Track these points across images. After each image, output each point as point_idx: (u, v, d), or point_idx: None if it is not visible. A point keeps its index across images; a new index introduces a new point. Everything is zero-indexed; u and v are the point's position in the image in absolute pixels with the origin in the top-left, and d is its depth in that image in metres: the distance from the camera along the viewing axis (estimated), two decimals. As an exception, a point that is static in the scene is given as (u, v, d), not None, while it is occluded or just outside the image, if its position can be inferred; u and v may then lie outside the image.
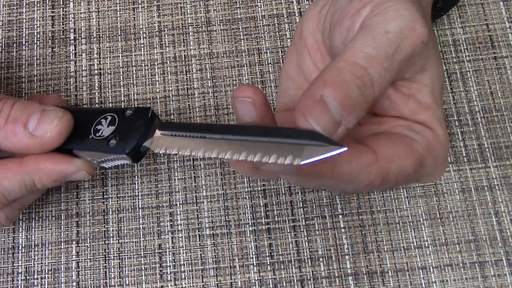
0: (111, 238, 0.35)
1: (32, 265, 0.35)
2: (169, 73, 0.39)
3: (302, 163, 0.21)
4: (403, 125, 0.25)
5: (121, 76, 0.39)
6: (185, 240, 0.35)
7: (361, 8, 0.24)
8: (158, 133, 0.27)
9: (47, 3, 0.41)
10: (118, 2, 0.41)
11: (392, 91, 0.25)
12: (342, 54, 0.22)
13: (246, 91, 0.23)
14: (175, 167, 0.37)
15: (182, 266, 0.35)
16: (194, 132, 0.25)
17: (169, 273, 0.35)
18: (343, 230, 0.35)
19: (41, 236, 0.35)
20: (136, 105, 0.38)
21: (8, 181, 0.29)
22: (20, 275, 0.35)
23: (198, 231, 0.35)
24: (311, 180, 0.24)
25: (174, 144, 0.26)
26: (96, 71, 0.39)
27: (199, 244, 0.35)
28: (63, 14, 0.40)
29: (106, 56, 0.39)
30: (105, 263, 0.35)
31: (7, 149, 0.29)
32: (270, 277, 0.34)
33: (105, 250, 0.35)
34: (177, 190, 0.36)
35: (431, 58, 0.25)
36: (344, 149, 0.20)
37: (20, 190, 0.29)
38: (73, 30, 0.40)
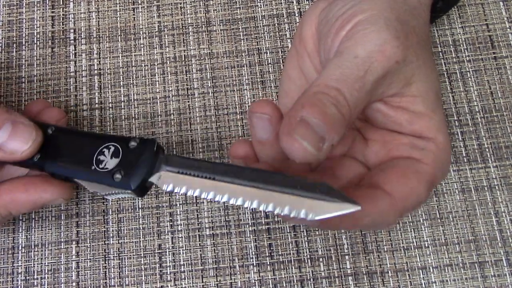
0: (111, 238, 0.35)
1: (32, 265, 0.35)
2: (169, 73, 0.39)
3: (316, 218, 0.21)
4: (405, 144, 0.26)
5: (121, 76, 0.39)
6: (185, 240, 0.35)
7: (340, 29, 0.25)
8: (164, 168, 0.26)
9: (47, 3, 0.41)
10: (118, 2, 0.41)
11: (383, 107, 0.26)
12: (314, 81, 0.24)
13: (264, 107, 0.24)
14: (175, 167, 0.37)
15: (182, 266, 0.35)
16: (202, 172, 0.25)
17: (169, 273, 0.35)
18: (343, 230, 0.35)
19: (41, 236, 0.35)
20: (136, 105, 0.38)
21: None
22: (20, 275, 0.35)
23: (198, 231, 0.35)
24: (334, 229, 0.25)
25: (182, 182, 0.25)
26: (96, 71, 0.39)
27: (199, 244, 0.35)
28: (63, 14, 0.40)
29: (106, 56, 0.39)
30: (105, 263, 0.35)
31: None
32: (270, 277, 0.34)
33: (105, 250, 0.35)
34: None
35: (417, 71, 0.25)
36: (358, 208, 0.21)
37: None
38: (73, 30, 0.40)
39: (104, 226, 0.36)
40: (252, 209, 0.35)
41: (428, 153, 0.25)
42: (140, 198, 0.36)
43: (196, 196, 0.24)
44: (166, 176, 0.26)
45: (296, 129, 0.22)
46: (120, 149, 0.27)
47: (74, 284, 0.35)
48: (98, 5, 0.40)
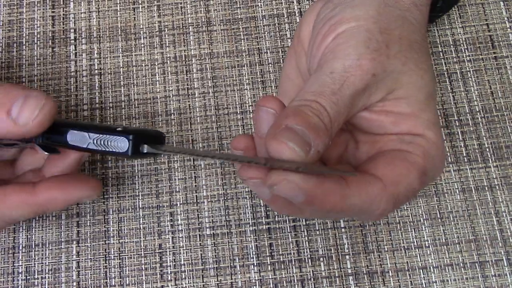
0: (112, 238, 0.35)
1: (33, 265, 0.35)
2: (169, 73, 0.39)
3: (309, 171, 0.22)
4: (394, 139, 0.26)
5: (122, 76, 0.39)
6: (185, 240, 0.35)
7: (323, 39, 0.26)
8: (163, 148, 0.27)
9: (48, 3, 0.41)
10: (118, 2, 0.41)
11: (368, 114, 0.26)
12: (295, 96, 0.25)
13: (272, 102, 0.25)
14: (176, 167, 0.37)
15: (183, 266, 0.35)
16: (198, 155, 0.26)
17: (169, 273, 0.35)
18: (343, 230, 0.35)
19: (42, 236, 0.35)
20: (136, 105, 0.38)
21: (18, 211, 0.29)
22: (20, 275, 0.35)
23: (199, 231, 0.35)
24: (323, 212, 0.25)
25: (175, 149, 0.27)
26: (96, 71, 0.39)
27: (200, 244, 0.35)
28: (63, 14, 0.40)
29: (106, 56, 0.39)
30: (106, 263, 0.35)
31: None
32: (270, 277, 0.34)
33: (105, 250, 0.35)
34: (177, 190, 0.36)
35: (405, 76, 0.26)
36: (355, 175, 0.23)
37: (29, 216, 0.30)
38: (73, 30, 0.40)
39: (104, 225, 0.36)
40: (250, 211, 0.35)
41: (417, 146, 0.26)
42: (140, 198, 0.36)
43: (191, 157, 0.25)
44: (162, 149, 0.27)
45: (282, 134, 0.22)
46: (129, 127, 0.28)
47: (74, 284, 0.35)
48: (98, 5, 0.40)
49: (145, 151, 0.27)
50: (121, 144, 0.27)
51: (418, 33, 0.27)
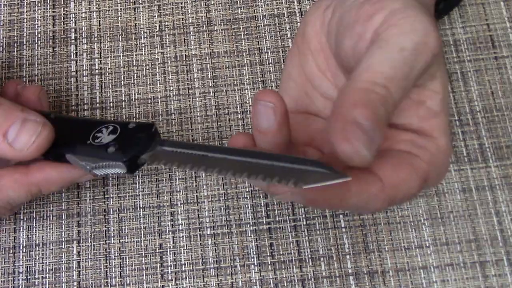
0: (112, 238, 0.35)
1: (33, 265, 0.35)
2: (170, 72, 0.39)
3: (304, 187, 0.21)
4: (406, 140, 0.25)
5: (122, 76, 0.39)
6: (186, 240, 0.35)
7: (373, 15, 0.24)
8: (158, 147, 0.27)
9: (48, 2, 0.41)
10: (119, 2, 0.41)
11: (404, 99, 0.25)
12: (360, 73, 0.22)
13: (270, 96, 0.24)
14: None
15: (183, 266, 0.35)
16: (196, 150, 0.25)
17: (170, 272, 0.35)
18: (344, 229, 0.35)
19: (42, 236, 0.35)
20: (137, 105, 0.38)
21: (14, 191, 0.29)
22: (21, 274, 0.35)
23: (199, 231, 0.35)
24: (321, 206, 0.24)
25: (174, 158, 0.26)
26: (97, 71, 0.39)
27: (200, 243, 0.35)
28: (64, 14, 0.40)
29: (107, 55, 0.39)
30: (106, 262, 0.35)
31: None
32: (271, 277, 0.34)
33: (106, 249, 0.35)
34: (178, 189, 0.36)
35: (441, 66, 0.25)
36: (349, 178, 0.21)
37: (26, 198, 0.30)
38: (74, 30, 0.40)
39: (105, 225, 0.36)
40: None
41: (426, 152, 0.25)
42: (141, 198, 0.36)
43: (187, 171, 0.25)
44: (159, 154, 0.27)
45: (353, 133, 0.21)
46: (119, 128, 0.28)
47: (75, 283, 0.35)
48: (99, 5, 0.40)
49: (143, 161, 0.27)
50: (119, 169, 0.27)
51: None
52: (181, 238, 0.35)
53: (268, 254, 0.35)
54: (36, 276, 0.35)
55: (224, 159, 0.24)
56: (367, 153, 0.21)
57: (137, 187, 0.36)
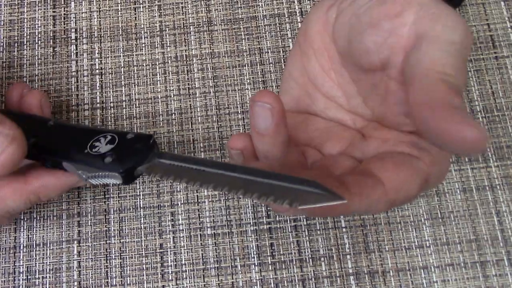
0: (113, 238, 0.35)
1: (34, 265, 0.35)
2: (170, 72, 0.39)
3: (300, 207, 0.21)
4: (407, 141, 0.26)
5: (123, 76, 0.39)
6: (186, 240, 0.35)
7: (402, 11, 0.24)
8: (155, 160, 0.27)
9: (49, 2, 0.41)
10: (119, 2, 0.41)
11: None
12: (425, 67, 0.23)
13: (267, 97, 0.24)
14: (177, 167, 0.37)
15: (184, 266, 0.35)
16: (193, 164, 0.25)
17: (170, 272, 0.35)
18: (344, 229, 0.35)
19: (43, 236, 0.35)
20: (137, 105, 0.38)
21: (14, 201, 0.29)
22: (21, 274, 0.35)
23: (200, 231, 0.35)
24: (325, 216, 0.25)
25: (170, 172, 0.26)
26: (97, 71, 0.39)
27: (201, 243, 0.35)
28: (64, 14, 0.40)
29: (107, 55, 0.39)
30: (107, 262, 0.35)
31: None
32: (271, 277, 0.34)
33: (106, 249, 0.35)
34: (178, 189, 0.36)
35: None
36: (344, 201, 0.21)
37: (25, 206, 0.30)
38: (74, 30, 0.40)
39: (105, 225, 0.36)
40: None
41: (427, 154, 0.25)
42: (141, 198, 0.36)
43: (183, 185, 0.25)
44: (156, 166, 0.26)
45: (466, 118, 0.20)
46: (117, 138, 0.28)
47: (75, 283, 0.35)
48: (99, 5, 0.40)
49: (140, 173, 0.27)
50: (115, 179, 0.27)
51: None
52: (182, 238, 0.35)
53: (269, 254, 0.35)
54: (37, 276, 0.35)
55: (221, 175, 0.24)
56: (485, 136, 0.20)
57: (138, 187, 0.36)
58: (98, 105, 0.38)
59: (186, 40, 0.39)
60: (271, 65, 0.39)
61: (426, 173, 0.25)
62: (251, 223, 0.35)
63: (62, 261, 0.35)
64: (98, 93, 0.38)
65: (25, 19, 0.40)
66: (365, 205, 0.23)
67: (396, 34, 0.25)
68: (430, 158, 0.25)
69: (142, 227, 0.36)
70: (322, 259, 0.35)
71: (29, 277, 0.35)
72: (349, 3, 0.27)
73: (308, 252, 0.35)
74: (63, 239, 0.35)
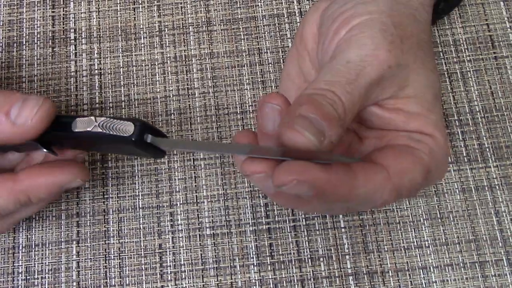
0: (112, 238, 0.35)
1: (33, 265, 0.35)
2: (169, 73, 0.39)
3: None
4: (403, 136, 0.26)
5: (122, 76, 0.39)
6: (185, 240, 0.35)
7: (337, 32, 0.26)
8: (165, 142, 0.28)
9: (48, 3, 0.41)
10: (118, 2, 0.41)
11: (378, 110, 0.26)
12: (308, 85, 0.24)
13: (277, 98, 0.24)
14: (176, 167, 0.37)
15: (183, 266, 0.35)
16: (196, 148, 0.26)
17: (169, 273, 0.35)
18: (343, 230, 0.35)
19: (42, 236, 0.35)
20: (136, 105, 0.38)
21: (3, 200, 0.29)
22: (20, 275, 0.35)
23: (199, 231, 0.35)
24: (329, 204, 0.25)
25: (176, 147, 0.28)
26: (96, 71, 0.39)
27: (200, 244, 0.35)
28: (63, 14, 0.40)
29: (106, 56, 0.39)
30: (106, 263, 0.35)
31: None
32: (270, 277, 0.34)
33: (105, 250, 0.35)
34: (177, 190, 0.36)
35: (414, 73, 0.26)
36: (359, 159, 0.23)
37: (15, 206, 0.30)
38: (73, 30, 0.40)
39: (104, 225, 0.36)
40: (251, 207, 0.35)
41: (425, 145, 0.26)
42: (140, 198, 0.36)
43: (192, 151, 0.27)
44: (161, 142, 0.27)
45: (296, 122, 0.22)
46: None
47: (74, 283, 0.35)
48: (98, 5, 0.40)
49: (149, 141, 0.27)
50: (127, 128, 0.27)
51: (426, 32, 0.27)
52: (181, 238, 0.35)
53: (268, 254, 0.35)
54: (36, 277, 0.35)
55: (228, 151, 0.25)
56: (314, 138, 0.22)
57: (137, 187, 0.36)
58: (97, 105, 0.38)
59: (185, 40, 0.39)
60: (270, 65, 0.39)
61: (426, 164, 0.25)
62: (250, 223, 0.35)
63: (61, 261, 0.35)
64: (97, 93, 0.38)
65: (24, 19, 0.40)
66: (370, 188, 0.23)
67: (327, 55, 0.27)
68: (428, 148, 0.25)
69: (141, 228, 0.36)
70: (321, 259, 0.35)
71: (28, 277, 0.35)
72: (331, 6, 0.28)
73: (307, 252, 0.35)
74: (62, 240, 0.35)
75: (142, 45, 0.39)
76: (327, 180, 0.22)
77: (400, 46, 0.25)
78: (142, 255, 0.35)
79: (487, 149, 0.36)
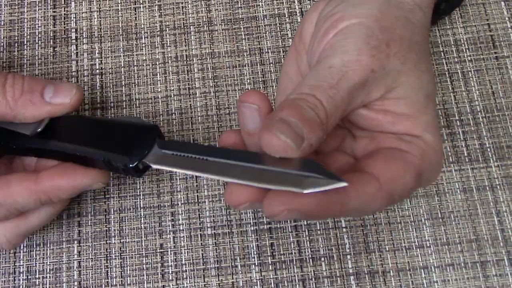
0: (113, 238, 0.35)
1: (34, 265, 0.35)
2: (170, 72, 0.39)
3: (305, 191, 0.22)
4: (393, 137, 0.26)
5: (123, 76, 0.39)
6: (186, 240, 0.35)
7: (324, 36, 0.26)
8: (159, 150, 0.27)
9: (49, 2, 0.41)
10: (119, 2, 0.41)
11: (366, 112, 0.26)
12: (293, 89, 0.25)
13: (253, 97, 0.24)
14: (177, 167, 0.37)
15: (184, 266, 0.35)
16: (196, 154, 0.25)
17: (170, 272, 0.35)
18: (344, 229, 0.35)
19: (43, 236, 0.35)
20: (137, 105, 0.38)
21: (23, 198, 0.29)
22: (21, 274, 0.35)
23: (200, 231, 0.35)
24: (321, 218, 0.25)
25: (174, 162, 0.26)
26: (97, 71, 0.39)
27: (201, 243, 0.35)
28: (64, 14, 0.40)
29: (107, 55, 0.39)
30: (107, 262, 0.35)
31: (24, 119, 0.30)
32: (271, 277, 0.34)
33: (106, 249, 0.35)
34: (178, 189, 0.36)
35: (401, 76, 0.26)
36: (345, 184, 0.22)
37: (35, 205, 0.30)
38: (74, 30, 0.40)
39: (106, 225, 0.36)
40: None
41: (415, 147, 0.26)
42: (141, 198, 0.36)
43: (187, 174, 0.26)
44: (159, 156, 0.27)
45: (275, 126, 0.22)
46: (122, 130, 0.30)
47: (76, 283, 0.35)
48: (99, 5, 0.40)
49: (148, 165, 0.28)
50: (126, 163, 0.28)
51: (419, 34, 0.27)
52: (182, 238, 0.35)
53: (269, 254, 0.35)
54: (37, 276, 0.35)
55: (225, 164, 0.24)
56: (292, 143, 0.22)
57: (138, 187, 0.36)
58: (98, 105, 0.38)
59: (186, 40, 0.39)
60: (271, 65, 0.39)
61: (418, 166, 0.25)
62: (251, 223, 0.35)
63: (62, 261, 0.35)
64: (98, 93, 0.38)
65: (25, 19, 0.40)
66: (362, 201, 0.23)
67: (315, 56, 0.27)
68: (419, 150, 0.25)
69: (142, 227, 0.36)
70: (323, 259, 0.35)
71: (29, 277, 0.35)
72: (325, 7, 0.28)
73: (308, 252, 0.35)
74: (63, 239, 0.35)
75: (143, 45, 0.39)
76: (317, 203, 0.22)
77: (385, 50, 0.25)
78: (144, 254, 0.35)
79: (488, 149, 0.36)
